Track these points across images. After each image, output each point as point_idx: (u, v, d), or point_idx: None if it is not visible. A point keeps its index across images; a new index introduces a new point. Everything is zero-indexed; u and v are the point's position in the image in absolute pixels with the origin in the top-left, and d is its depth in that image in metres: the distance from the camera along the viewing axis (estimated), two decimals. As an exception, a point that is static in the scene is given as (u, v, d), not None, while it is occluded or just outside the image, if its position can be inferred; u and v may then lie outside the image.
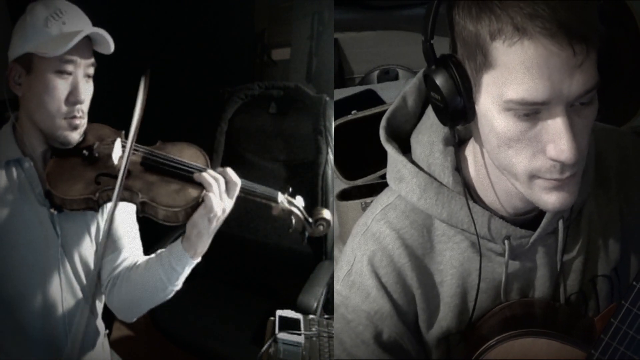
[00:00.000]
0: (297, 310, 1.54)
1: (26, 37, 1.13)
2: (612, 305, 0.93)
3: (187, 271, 1.20)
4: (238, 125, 2.18)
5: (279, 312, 1.49)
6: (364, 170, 1.78)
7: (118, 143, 1.20)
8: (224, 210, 1.15)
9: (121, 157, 1.17)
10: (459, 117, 0.86)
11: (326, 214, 1.24)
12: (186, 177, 1.18)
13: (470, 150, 0.95)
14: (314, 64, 2.44)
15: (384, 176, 1.80)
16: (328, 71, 2.33)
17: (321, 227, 1.24)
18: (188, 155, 1.23)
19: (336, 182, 1.81)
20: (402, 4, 2.67)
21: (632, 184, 1.00)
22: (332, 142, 2.01)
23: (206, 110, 2.25)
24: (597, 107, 0.81)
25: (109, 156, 1.18)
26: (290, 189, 1.25)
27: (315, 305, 1.71)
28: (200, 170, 1.17)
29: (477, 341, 0.95)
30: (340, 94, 2.22)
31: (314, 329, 1.46)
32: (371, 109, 1.79)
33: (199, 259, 1.19)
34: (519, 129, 0.80)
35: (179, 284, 1.22)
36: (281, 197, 1.23)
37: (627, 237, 1.01)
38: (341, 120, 1.79)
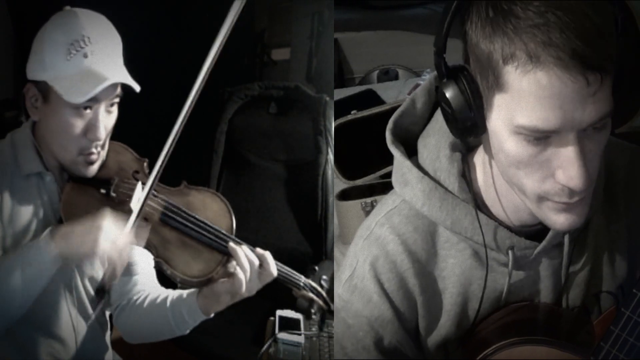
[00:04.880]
0: (297, 310, 1.54)
1: (44, 66, 1.05)
2: (612, 309, 0.92)
3: (198, 323, 1.17)
4: (238, 125, 2.18)
5: (279, 312, 1.49)
6: (364, 170, 1.78)
7: (139, 188, 1.11)
8: (250, 292, 1.11)
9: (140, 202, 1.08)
10: (469, 131, 0.84)
11: None
12: (206, 243, 1.11)
13: (480, 158, 0.93)
14: (314, 64, 2.44)
15: (384, 176, 1.81)
16: (328, 71, 2.33)
17: None
18: (213, 212, 1.15)
19: (336, 182, 1.81)
20: (402, 4, 2.68)
21: (638, 198, 0.98)
22: (332, 142, 2.01)
23: (206, 110, 2.24)
24: (609, 130, 0.80)
25: (128, 200, 1.10)
26: (316, 269, 1.21)
27: (315, 305, 1.71)
28: (224, 239, 1.11)
29: (477, 346, 0.95)
30: (340, 94, 2.22)
31: (314, 329, 1.46)
32: (371, 109, 1.79)
33: (210, 317, 1.16)
34: (529, 152, 0.78)
35: (185, 332, 1.20)
36: (303, 282, 1.19)
37: (633, 254, 0.99)
38: (341, 120, 1.79)
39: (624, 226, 0.98)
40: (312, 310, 1.20)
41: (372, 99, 2.19)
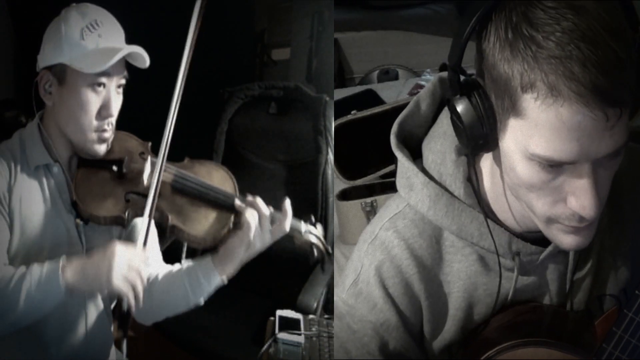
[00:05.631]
0: (297, 310, 1.54)
1: (61, 48, 1.12)
2: (613, 309, 0.92)
3: (213, 288, 1.21)
4: (238, 125, 2.18)
5: (279, 312, 1.49)
6: (364, 170, 1.78)
7: (149, 163, 1.20)
8: (263, 245, 1.19)
9: (151, 176, 1.17)
10: (481, 147, 0.83)
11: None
12: (215, 202, 1.20)
13: (487, 164, 0.92)
14: (314, 64, 2.44)
15: (384, 176, 1.81)
16: (328, 71, 2.33)
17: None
18: (217, 178, 1.24)
19: (336, 182, 1.81)
20: (402, 4, 2.68)
21: None
22: (332, 142, 2.01)
23: (206, 110, 2.25)
24: (622, 155, 0.79)
25: (140, 174, 1.19)
26: (312, 218, 1.29)
27: (315, 305, 1.71)
28: (230, 198, 1.19)
29: (480, 347, 0.95)
30: (340, 94, 2.22)
31: (314, 329, 1.46)
32: (371, 109, 1.79)
33: (226, 280, 1.21)
34: (542, 178, 0.78)
35: (202, 300, 1.22)
36: (304, 228, 1.25)
37: (636, 255, 0.99)
38: (341, 120, 1.79)
39: (628, 227, 0.98)
40: (315, 253, 1.26)
41: (372, 99, 2.19)
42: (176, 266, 1.27)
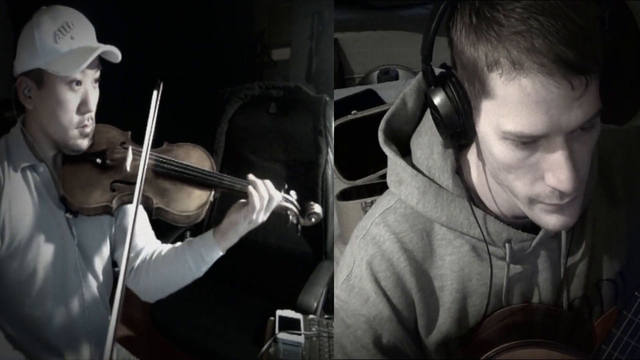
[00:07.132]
0: (297, 310, 1.54)
1: (36, 54, 1.15)
2: (612, 310, 0.92)
3: (212, 261, 1.29)
4: (238, 125, 2.18)
5: (279, 312, 1.49)
6: (364, 170, 1.78)
7: (130, 152, 1.26)
8: (262, 218, 1.28)
9: (132, 164, 1.24)
10: (459, 136, 0.85)
11: (317, 207, 1.40)
12: (195, 181, 1.27)
13: (473, 155, 0.94)
14: (314, 64, 2.44)
15: (383, 176, 1.80)
16: (328, 71, 2.33)
17: (313, 219, 1.39)
18: (195, 158, 1.32)
19: (336, 182, 1.81)
20: (402, 4, 2.67)
21: (636, 181, 0.99)
22: (332, 142, 2.01)
23: (206, 110, 2.25)
24: (599, 130, 0.80)
25: (122, 163, 1.24)
26: (286, 186, 1.38)
27: (315, 305, 1.71)
28: (209, 175, 1.27)
29: (478, 347, 0.95)
30: (340, 94, 2.21)
31: (314, 329, 1.46)
32: (371, 109, 1.79)
33: (223, 253, 1.29)
34: (518, 157, 0.79)
35: (201, 273, 1.30)
36: (281, 196, 1.33)
37: (633, 236, 0.99)
38: (341, 120, 1.79)
39: (622, 210, 0.99)
40: (290, 217, 1.36)
41: (372, 99, 2.19)
42: (176, 245, 1.33)
